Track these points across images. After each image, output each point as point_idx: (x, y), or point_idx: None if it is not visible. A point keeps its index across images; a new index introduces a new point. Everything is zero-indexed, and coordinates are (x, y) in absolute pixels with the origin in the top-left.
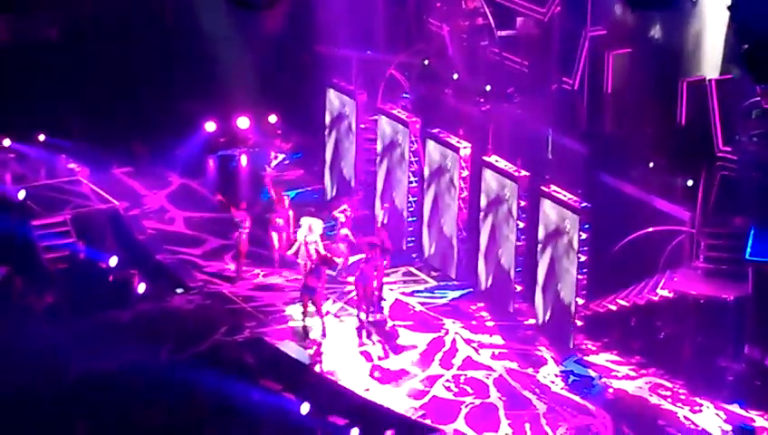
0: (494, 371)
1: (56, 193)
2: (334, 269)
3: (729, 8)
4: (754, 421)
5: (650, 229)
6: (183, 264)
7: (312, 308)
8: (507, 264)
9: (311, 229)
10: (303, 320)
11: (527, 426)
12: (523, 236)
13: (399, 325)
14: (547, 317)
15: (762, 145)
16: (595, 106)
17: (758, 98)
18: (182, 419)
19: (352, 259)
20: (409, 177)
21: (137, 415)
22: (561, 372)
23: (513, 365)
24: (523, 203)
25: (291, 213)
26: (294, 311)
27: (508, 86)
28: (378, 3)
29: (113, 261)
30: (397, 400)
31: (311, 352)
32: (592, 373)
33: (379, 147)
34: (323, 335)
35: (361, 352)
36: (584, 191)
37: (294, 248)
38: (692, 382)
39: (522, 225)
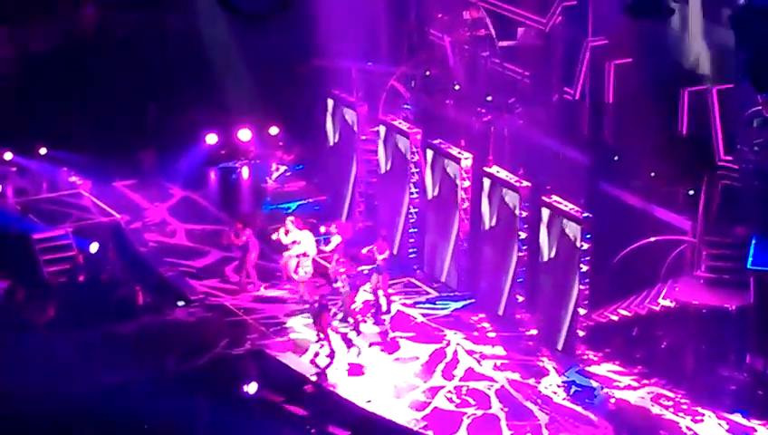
0: (496, 382)
1: (58, 206)
2: (332, 282)
3: (731, 18)
4: (756, 431)
5: (652, 239)
6: (184, 276)
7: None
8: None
9: (302, 242)
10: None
11: None
12: (524, 247)
13: (401, 337)
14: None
15: (763, 154)
16: (596, 116)
17: (759, 107)
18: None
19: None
20: (410, 188)
21: (137, 427)
22: (563, 382)
23: (515, 376)
24: (524, 214)
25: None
26: (296, 323)
27: (509, 96)
28: (379, 14)
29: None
30: (399, 411)
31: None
32: (594, 384)
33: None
34: (332, 353)
35: (362, 364)
36: (586, 201)
37: (293, 266)
38: (694, 392)
39: (523, 235)
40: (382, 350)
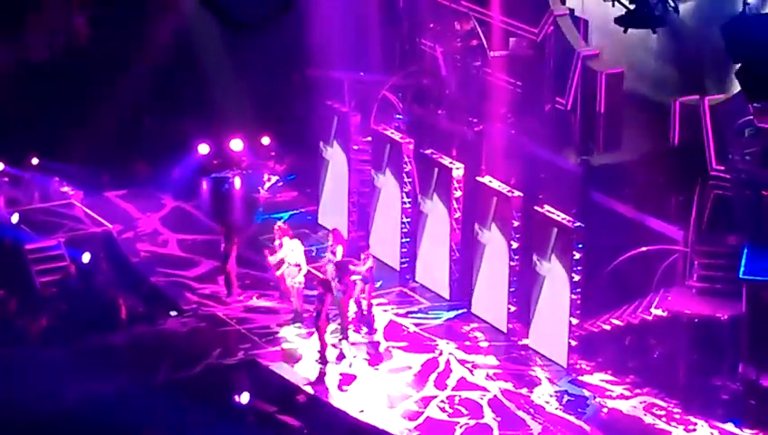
0: (489, 391)
1: (50, 216)
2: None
3: (722, 28)
4: None
5: (644, 248)
6: (177, 286)
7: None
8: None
9: (291, 250)
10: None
11: None
12: (516, 257)
13: (393, 346)
14: None
15: (755, 164)
16: (588, 126)
17: (751, 117)
18: None
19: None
20: (403, 198)
21: None
22: (556, 392)
23: (508, 386)
24: (516, 223)
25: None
26: (289, 333)
27: (501, 106)
28: (370, 24)
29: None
30: (391, 421)
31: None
32: (587, 393)
33: None
34: (325, 362)
35: (355, 374)
36: (578, 211)
37: (281, 270)
38: (687, 402)
39: (515, 245)
40: (374, 360)
